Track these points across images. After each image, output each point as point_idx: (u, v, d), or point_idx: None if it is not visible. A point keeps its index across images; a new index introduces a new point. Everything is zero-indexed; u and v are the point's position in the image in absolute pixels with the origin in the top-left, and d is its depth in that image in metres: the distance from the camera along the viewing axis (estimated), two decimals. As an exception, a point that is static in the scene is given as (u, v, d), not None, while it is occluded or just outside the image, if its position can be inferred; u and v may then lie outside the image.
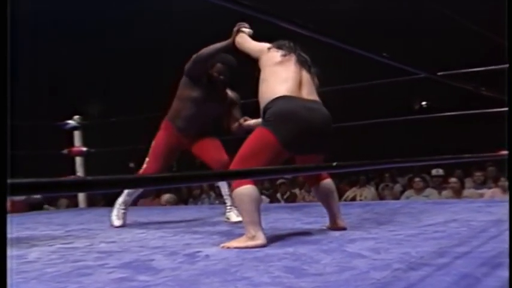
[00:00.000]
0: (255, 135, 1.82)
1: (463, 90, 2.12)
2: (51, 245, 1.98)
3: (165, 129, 2.53)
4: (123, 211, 2.61)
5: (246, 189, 1.72)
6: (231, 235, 1.96)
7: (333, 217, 2.00)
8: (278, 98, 1.80)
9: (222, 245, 1.73)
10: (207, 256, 1.56)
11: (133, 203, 5.97)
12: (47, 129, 5.06)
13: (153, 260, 1.55)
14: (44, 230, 2.63)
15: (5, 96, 0.54)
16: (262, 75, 1.91)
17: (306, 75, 1.92)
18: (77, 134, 4.26)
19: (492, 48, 2.48)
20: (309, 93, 1.88)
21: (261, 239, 1.69)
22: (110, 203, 2.89)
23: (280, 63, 1.90)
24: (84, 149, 4.22)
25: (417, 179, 4.66)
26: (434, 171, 4.92)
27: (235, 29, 2.10)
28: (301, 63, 1.94)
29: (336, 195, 2.05)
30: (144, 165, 2.51)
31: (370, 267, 1.28)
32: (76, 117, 4.29)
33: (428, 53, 7.18)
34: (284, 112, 1.77)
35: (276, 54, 1.93)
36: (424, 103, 10.49)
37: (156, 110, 2.91)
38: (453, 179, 4.54)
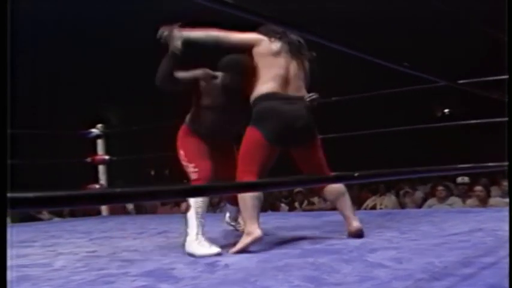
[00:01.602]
0: (246, 135, 1.97)
1: (486, 97, 2.08)
2: (76, 254, 2.02)
3: (188, 135, 2.20)
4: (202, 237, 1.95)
5: None
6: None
7: (347, 219, 2.00)
8: (261, 97, 1.94)
9: (230, 250, 1.82)
10: (226, 265, 1.56)
11: (154, 210, 5.94)
12: (70, 138, 5.19)
13: (174, 268, 1.56)
14: (68, 238, 2.69)
15: (5, 113, 0.53)
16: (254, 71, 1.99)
17: (294, 69, 2.00)
18: (99, 143, 4.33)
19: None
20: (295, 89, 1.98)
21: (256, 233, 1.81)
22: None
23: (271, 57, 1.96)
24: (107, 157, 4.30)
25: (440, 188, 4.56)
26: (459, 179, 4.81)
27: (166, 34, 1.94)
28: (293, 52, 2.00)
29: (347, 197, 2.04)
30: (195, 170, 2.04)
31: (391, 277, 1.26)
32: (99, 125, 4.37)
33: (451, 59, 7.07)
34: (266, 110, 1.92)
35: (267, 48, 1.97)
36: (446, 110, 10.31)
37: (176, 117, 2.94)
38: (478, 187, 4.43)
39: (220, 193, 2.35)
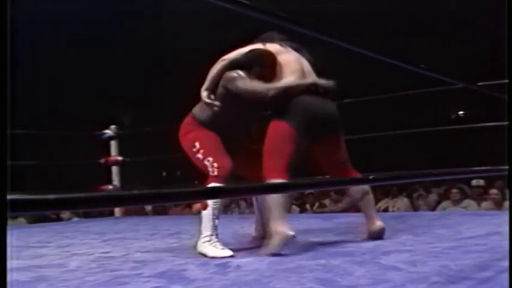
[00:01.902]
0: (272, 129, 1.91)
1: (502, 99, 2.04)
2: (90, 254, 2.04)
3: (199, 127, 2.04)
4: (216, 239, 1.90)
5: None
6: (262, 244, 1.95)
7: (370, 219, 1.99)
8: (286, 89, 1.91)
9: (260, 253, 1.78)
10: (238, 266, 1.56)
11: (165, 210, 5.96)
12: (84, 139, 5.24)
13: (186, 269, 1.57)
14: (82, 239, 2.72)
15: (5, 117, 0.52)
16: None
17: (306, 64, 2.01)
18: (113, 144, 4.37)
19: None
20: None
21: (283, 233, 1.74)
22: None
23: (285, 54, 1.98)
24: (120, 158, 4.33)
25: (454, 190, 4.50)
26: (474, 182, 4.74)
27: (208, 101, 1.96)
28: (298, 51, 2.03)
29: (371, 196, 2.03)
30: (214, 166, 1.92)
31: (406, 280, 1.24)
32: (112, 126, 4.41)
33: (468, 60, 6.98)
34: (292, 102, 1.89)
35: (278, 48, 1.98)
36: (461, 112, 10.17)
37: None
38: (494, 190, 4.36)
39: (242, 195, 2.30)
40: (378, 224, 1.98)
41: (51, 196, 0.55)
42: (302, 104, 1.88)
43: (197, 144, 1.97)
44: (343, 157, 2.02)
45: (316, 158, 2.04)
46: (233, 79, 1.96)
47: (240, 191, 1.03)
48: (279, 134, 1.88)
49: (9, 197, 0.50)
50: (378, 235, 1.98)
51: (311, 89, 1.92)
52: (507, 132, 1.10)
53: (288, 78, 1.93)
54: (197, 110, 2.06)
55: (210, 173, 1.91)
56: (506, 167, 1.13)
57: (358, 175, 2.00)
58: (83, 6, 7.34)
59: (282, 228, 1.75)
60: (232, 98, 1.97)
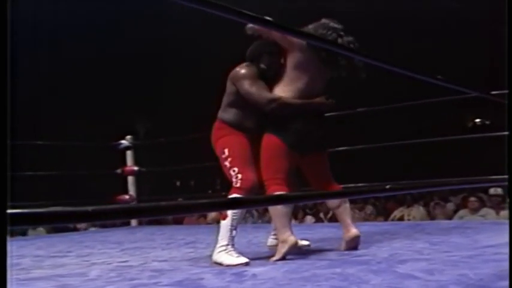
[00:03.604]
0: (265, 143, 1.98)
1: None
2: (109, 263, 2.08)
3: (231, 132, 2.03)
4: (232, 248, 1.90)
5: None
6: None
7: (346, 226, 2.01)
8: (280, 101, 1.94)
9: (271, 259, 1.87)
10: (254, 275, 1.57)
11: (180, 220, 5.99)
12: (101, 149, 5.33)
13: (202, 278, 1.58)
14: (101, 248, 2.76)
15: (5, 134, 0.51)
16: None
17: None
18: (129, 154, 4.44)
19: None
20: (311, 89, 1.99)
21: (290, 240, 1.85)
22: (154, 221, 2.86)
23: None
24: (136, 168, 4.39)
25: (472, 199, 4.43)
26: (492, 190, 4.66)
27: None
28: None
29: (348, 204, 2.07)
30: (238, 177, 1.92)
31: (423, 289, 1.24)
32: (128, 137, 4.47)
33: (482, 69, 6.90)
34: (283, 116, 1.94)
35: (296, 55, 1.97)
36: (477, 120, 10.02)
37: (201, 129, 2.98)
38: (512, 198, 4.27)
39: (256, 206, 2.35)
40: (353, 231, 1.99)
41: (69, 209, 0.55)
42: (296, 123, 1.94)
43: (226, 151, 1.97)
44: (327, 170, 2.08)
45: (302, 171, 2.10)
46: (239, 78, 1.97)
47: (255, 202, 1.05)
48: (271, 148, 1.96)
49: (9, 211, 0.50)
50: (352, 243, 1.99)
51: (311, 110, 1.96)
52: (507, 142, 1.10)
53: (294, 86, 1.95)
54: (221, 112, 2.07)
55: (234, 184, 1.93)
56: (506, 176, 1.12)
57: (339, 187, 2.08)
58: (102, 21, 7.49)
59: (287, 236, 1.86)
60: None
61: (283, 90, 1.96)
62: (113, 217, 0.66)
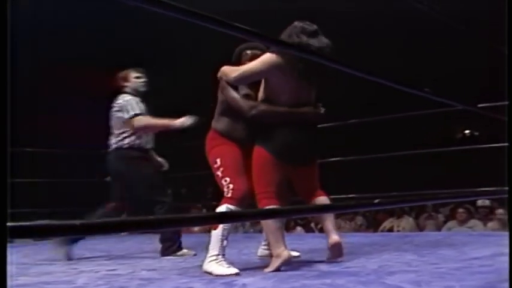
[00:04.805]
0: (255, 156, 1.97)
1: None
2: (97, 272, 2.06)
3: (223, 142, 2.04)
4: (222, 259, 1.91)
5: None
6: (267, 262, 1.97)
7: (329, 233, 2.01)
8: (269, 113, 1.95)
9: (264, 270, 1.86)
10: (244, 285, 1.57)
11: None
12: (90, 157, 5.29)
13: (191, 287, 1.58)
14: (89, 256, 2.73)
15: (6, 147, 0.51)
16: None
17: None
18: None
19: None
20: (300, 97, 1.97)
21: (284, 255, 1.84)
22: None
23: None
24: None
25: (460, 210, 4.48)
26: (480, 202, 4.71)
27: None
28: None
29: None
30: (230, 187, 1.94)
31: (410, 300, 1.24)
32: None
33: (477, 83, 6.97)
34: (271, 128, 1.94)
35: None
36: (467, 131, 10.13)
37: (192, 139, 2.99)
38: (500, 211, 4.33)
39: (246, 220, 2.35)
40: (334, 238, 2.00)
41: (55, 223, 0.55)
42: (281, 132, 1.93)
43: (218, 161, 2.00)
44: (316, 181, 2.09)
45: (292, 181, 2.10)
46: (225, 86, 2.02)
47: (245, 216, 1.06)
48: (260, 161, 1.95)
49: (9, 224, 0.50)
50: (335, 250, 2.00)
51: (297, 120, 1.94)
52: (507, 153, 1.12)
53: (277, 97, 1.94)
54: (214, 122, 2.11)
55: (225, 194, 1.95)
56: (507, 188, 1.14)
57: (324, 194, 2.06)
58: (97, 20, 7.45)
59: (281, 251, 1.85)
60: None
61: (267, 99, 1.96)
62: (101, 231, 0.66)
